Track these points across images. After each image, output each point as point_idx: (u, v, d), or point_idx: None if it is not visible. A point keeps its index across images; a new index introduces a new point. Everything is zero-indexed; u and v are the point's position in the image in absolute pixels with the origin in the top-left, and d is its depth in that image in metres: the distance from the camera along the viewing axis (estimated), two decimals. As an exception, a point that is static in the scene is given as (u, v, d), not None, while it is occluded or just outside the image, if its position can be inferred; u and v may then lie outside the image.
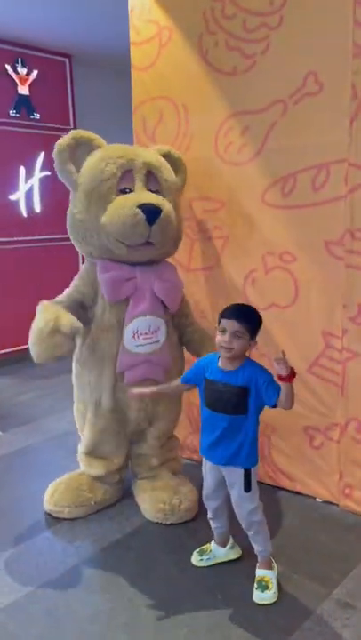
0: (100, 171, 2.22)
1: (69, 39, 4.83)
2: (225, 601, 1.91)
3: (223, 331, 1.84)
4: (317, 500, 2.54)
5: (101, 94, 5.77)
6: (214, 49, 2.47)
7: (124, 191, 2.23)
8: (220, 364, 1.89)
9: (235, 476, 1.91)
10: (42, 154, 5.12)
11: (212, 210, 2.61)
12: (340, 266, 2.27)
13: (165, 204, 2.20)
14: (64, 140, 2.26)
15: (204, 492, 2.05)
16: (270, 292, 2.49)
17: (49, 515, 2.44)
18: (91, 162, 2.27)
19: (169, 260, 2.49)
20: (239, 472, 1.89)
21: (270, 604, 1.88)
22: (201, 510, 2.41)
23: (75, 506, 2.42)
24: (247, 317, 1.85)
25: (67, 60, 5.25)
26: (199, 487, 2.47)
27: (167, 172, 2.36)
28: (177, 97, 2.65)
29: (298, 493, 2.59)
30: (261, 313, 2.47)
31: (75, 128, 5.35)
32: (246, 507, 1.91)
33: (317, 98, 2.20)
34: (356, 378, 2.31)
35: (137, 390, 2.16)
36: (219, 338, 1.86)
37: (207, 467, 2.00)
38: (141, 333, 2.28)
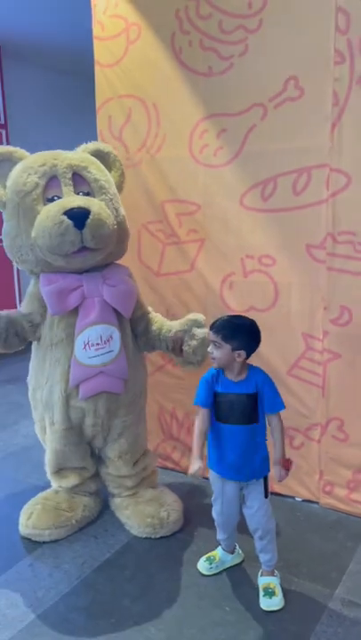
0: (22, 184, 2.11)
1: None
2: (233, 612, 1.87)
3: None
4: (297, 499, 2.58)
5: (35, 89, 5.53)
6: (188, 48, 2.42)
7: (52, 200, 2.10)
8: (228, 375, 1.88)
9: (254, 486, 1.91)
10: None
11: (186, 213, 2.56)
12: (321, 269, 2.30)
13: (94, 204, 2.05)
14: None
15: (220, 508, 2.00)
16: (249, 296, 2.49)
17: (27, 539, 2.28)
18: (13, 176, 2.16)
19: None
20: (259, 482, 1.90)
21: (278, 611, 1.88)
22: (187, 520, 2.36)
23: (55, 527, 2.28)
24: (223, 327, 1.86)
25: (-4, 51, 4.97)
26: (181, 496, 2.44)
27: (96, 171, 2.19)
28: (147, 96, 2.57)
29: (277, 494, 2.60)
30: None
31: (5, 123, 5.08)
32: (266, 514, 1.91)
33: (298, 103, 2.22)
34: (337, 378, 2.37)
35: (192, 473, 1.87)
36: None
37: (226, 484, 1.95)
38: (93, 344, 2.13)
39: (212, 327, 1.89)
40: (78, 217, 1.99)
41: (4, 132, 5.09)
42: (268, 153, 2.32)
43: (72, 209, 2.00)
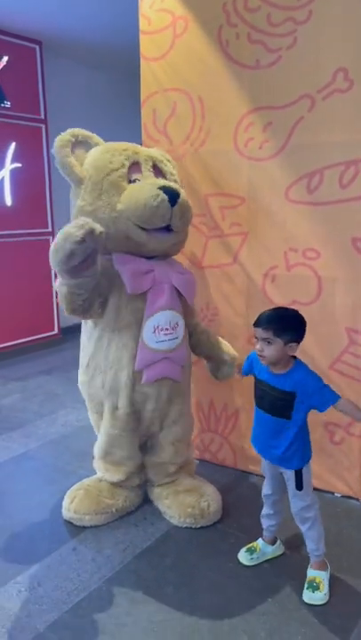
0: (107, 161, 2.19)
1: (40, 24, 4.62)
2: (275, 603, 1.88)
3: (256, 339, 1.86)
4: (336, 494, 2.56)
5: (74, 85, 5.60)
6: (235, 41, 2.42)
7: (133, 182, 2.19)
8: (272, 367, 1.87)
9: (288, 473, 1.92)
10: (13, 144, 4.89)
11: (230, 206, 2.56)
12: (367, 262, 2.29)
13: (180, 189, 2.17)
14: (63, 135, 2.21)
15: (265, 488, 2.03)
16: (292, 289, 2.48)
17: (69, 523, 2.33)
18: (94, 156, 2.23)
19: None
20: (290, 471, 1.90)
21: (321, 604, 1.87)
22: (225, 511, 2.38)
23: (95, 513, 2.32)
24: (272, 321, 1.82)
25: (37, 47, 5.03)
26: (218, 487, 2.46)
27: (170, 166, 2.37)
28: (192, 89, 2.58)
29: (315, 489, 2.58)
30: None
31: (45, 119, 5.15)
32: (299, 503, 1.92)
33: (348, 94, 2.20)
34: (381, 373, 2.35)
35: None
36: (255, 346, 1.87)
37: (265, 463, 1.99)
38: (162, 329, 2.19)
39: (257, 324, 1.84)
40: (172, 194, 2.09)
41: (43, 127, 5.16)
42: (315, 145, 2.30)
43: (166, 186, 2.10)
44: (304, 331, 1.86)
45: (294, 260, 2.46)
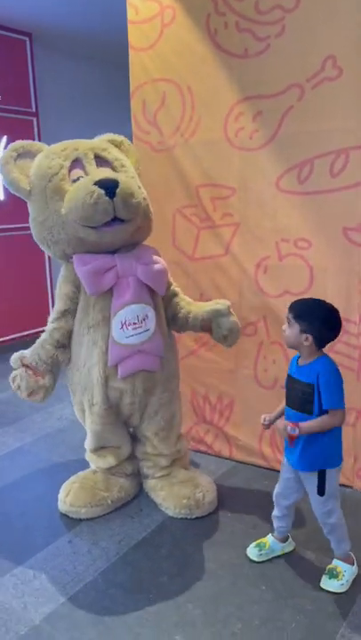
0: (46, 167, 2.16)
1: (29, 15, 4.57)
2: (270, 591, 1.89)
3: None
4: (330, 483, 2.57)
5: (65, 77, 5.55)
6: (224, 30, 2.40)
7: (77, 181, 2.14)
8: (299, 359, 1.87)
9: (307, 478, 1.88)
10: (4, 138, 4.85)
11: (221, 197, 2.55)
12: (358, 251, 2.28)
13: (121, 176, 2.12)
14: (5, 153, 2.21)
15: (278, 489, 2.01)
16: (284, 279, 2.48)
17: (65, 516, 2.34)
18: (35, 164, 2.21)
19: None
20: (312, 475, 1.85)
21: (316, 591, 1.88)
22: (220, 502, 2.39)
23: (91, 505, 2.33)
24: (295, 304, 1.84)
25: (27, 39, 4.99)
26: (213, 478, 2.47)
27: (115, 151, 2.28)
28: (181, 79, 2.56)
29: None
30: (274, 300, 2.49)
31: (36, 112, 5.12)
32: (319, 508, 1.88)
33: (337, 82, 2.19)
34: (374, 362, 2.35)
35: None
36: None
37: (286, 464, 1.96)
38: (130, 324, 2.17)
39: (289, 305, 1.85)
40: (109, 186, 2.03)
41: (34, 120, 5.12)
42: (305, 134, 2.29)
43: (101, 180, 2.05)
44: (329, 329, 1.81)
45: (286, 250, 2.46)
